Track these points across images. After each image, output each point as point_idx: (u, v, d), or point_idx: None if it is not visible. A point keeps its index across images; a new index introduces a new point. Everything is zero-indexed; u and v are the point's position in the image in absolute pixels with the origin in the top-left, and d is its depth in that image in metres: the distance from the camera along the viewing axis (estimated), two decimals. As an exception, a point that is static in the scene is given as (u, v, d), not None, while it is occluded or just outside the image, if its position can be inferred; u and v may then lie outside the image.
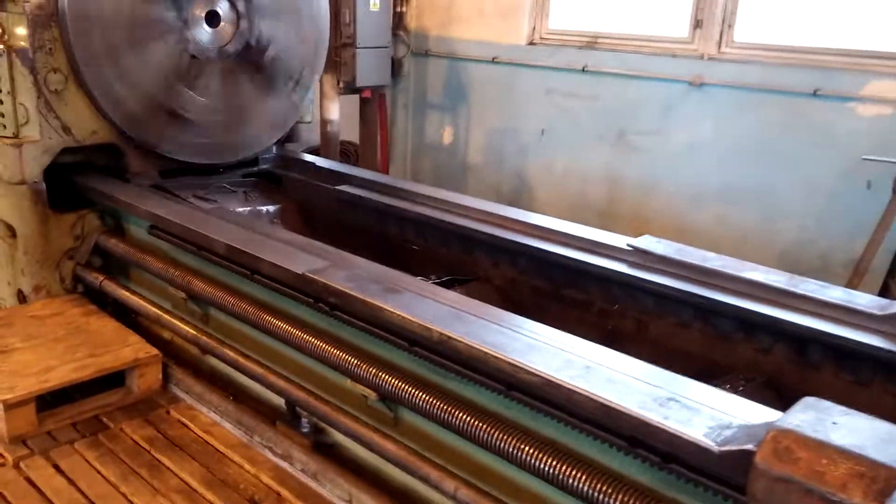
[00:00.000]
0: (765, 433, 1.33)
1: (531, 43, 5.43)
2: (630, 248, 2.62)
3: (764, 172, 4.36)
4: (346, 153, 5.90)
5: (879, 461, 1.21)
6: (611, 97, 4.94)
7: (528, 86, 5.42)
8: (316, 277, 2.21)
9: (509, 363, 1.73)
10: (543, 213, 3.07)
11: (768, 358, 2.30)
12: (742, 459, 1.34)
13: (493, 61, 5.57)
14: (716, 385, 2.25)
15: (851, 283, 3.43)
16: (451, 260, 3.11)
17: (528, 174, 5.53)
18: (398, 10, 5.91)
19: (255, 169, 3.90)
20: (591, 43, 5.05)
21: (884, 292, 3.75)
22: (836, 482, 1.20)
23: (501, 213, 3.04)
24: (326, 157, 4.85)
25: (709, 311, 2.40)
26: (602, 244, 2.69)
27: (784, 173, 4.28)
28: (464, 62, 5.80)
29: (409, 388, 2.00)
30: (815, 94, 4.07)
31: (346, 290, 2.13)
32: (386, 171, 6.10)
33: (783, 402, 2.27)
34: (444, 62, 5.95)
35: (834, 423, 1.35)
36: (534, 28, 5.42)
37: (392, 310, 2.00)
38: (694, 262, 2.49)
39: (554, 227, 2.85)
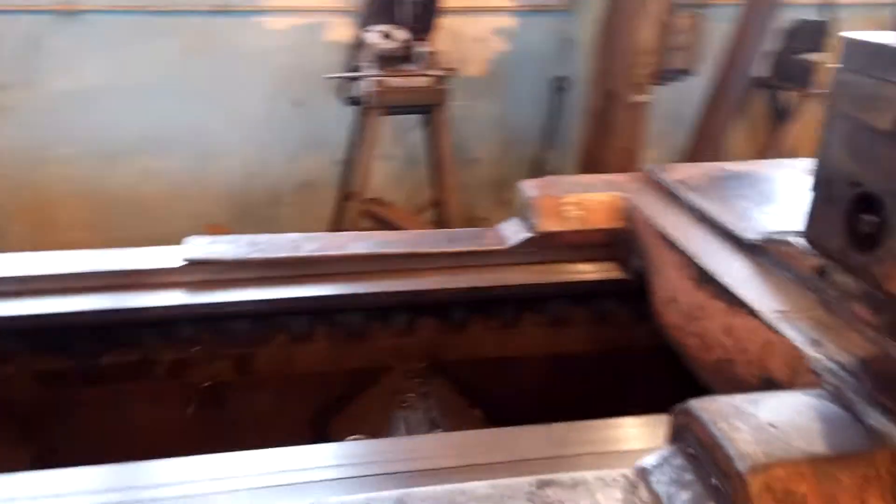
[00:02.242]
0: (733, 482, 0.98)
1: None
2: (187, 263, 1.81)
3: (186, 109, 3.73)
4: None
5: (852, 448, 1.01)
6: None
7: None
8: None
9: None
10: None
11: (414, 339, 1.92)
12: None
13: None
14: (401, 399, 1.82)
15: (341, 208, 3.24)
16: None
17: None
18: None
19: None
20: None
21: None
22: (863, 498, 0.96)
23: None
24: None
25: (328, 311, 1.86)
26: (143, 271, 1.78)
27: (209, 106, 3.74)
28: None
29: None
30: (220, 11, 3.55)
31: None
32: None
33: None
34: None
35: (753, 414, 1.08)
36: None
37: None
38: (282, 254, 1.86)
39: (38, 269, 1.76)
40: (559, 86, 4.25)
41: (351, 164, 3.72)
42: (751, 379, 1.39)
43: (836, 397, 1.11)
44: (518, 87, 4.23)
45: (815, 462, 0.98)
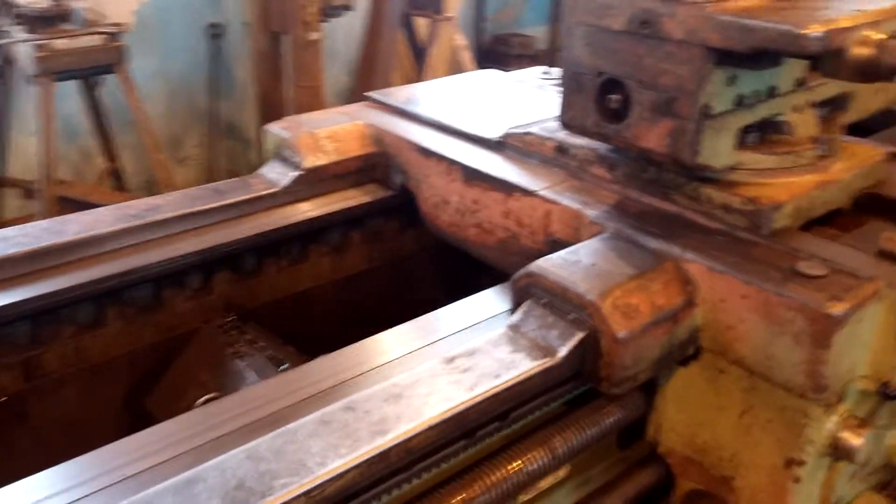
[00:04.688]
0: (589, 310, 1.28)
1: None
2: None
3: None
4: None
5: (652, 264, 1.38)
6: None
7: None
8: None
9: None
10: None
11: (213, 295, 1.90)
12: (590, 348, 1.28)
13: None
14: (232, 350, 1.80)
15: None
16: None
17: None
18: None
19: None
20: None
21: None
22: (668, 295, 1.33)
23: None
24: None
25: (114, 291, 1.73)
26: None
27: None
28: None
29: None
30: None
31: None
32: None
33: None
34: None
35: (578, 261, 1.39)
36: None
37: None
38: (46, 243, 1.67)
39: None
40: (215, 32, 4.13)
41: (3, 143, 3.23)
42: (537, 246, 1.71)
43: (620, 236, 1.48)
44: (171, 37, 3.99)
45: (634, 280, 1.33)
